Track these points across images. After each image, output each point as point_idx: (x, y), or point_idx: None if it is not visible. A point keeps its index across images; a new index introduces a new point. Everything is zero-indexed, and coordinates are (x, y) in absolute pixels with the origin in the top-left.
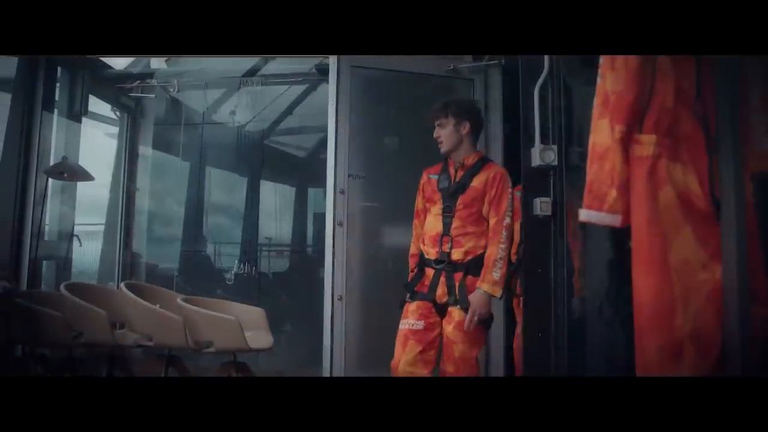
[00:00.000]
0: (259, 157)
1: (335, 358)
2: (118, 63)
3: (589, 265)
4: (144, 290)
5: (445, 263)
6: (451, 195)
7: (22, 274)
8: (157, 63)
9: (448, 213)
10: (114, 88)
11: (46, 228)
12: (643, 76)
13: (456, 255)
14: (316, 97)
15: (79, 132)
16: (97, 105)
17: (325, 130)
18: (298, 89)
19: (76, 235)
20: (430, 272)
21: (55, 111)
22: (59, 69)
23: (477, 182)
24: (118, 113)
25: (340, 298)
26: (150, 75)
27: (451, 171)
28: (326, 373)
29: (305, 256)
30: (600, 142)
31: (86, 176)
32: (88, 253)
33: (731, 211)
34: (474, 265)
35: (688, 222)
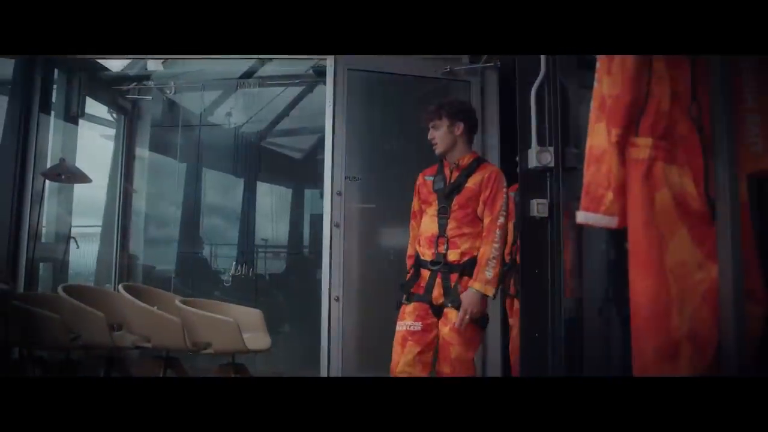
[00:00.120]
0: (256, 159)
1: (333, 358)
2: (115, 65)
3: (586, 266)
4: (142, 292)
5: (441, 264)
6: (446, 196)
7: (19, 276)
8: (153, 65)
9: (443, 214)
10: (111, 90)
11: (43, 230)
12: (639, 79)
13: (452, 256)
14: (312, 99)
15: (76, 134)
16: (94, 107)
17: (321, 131)
18: (295, 91)
19: (73, 237)
20: (426, 273)
21: (52, 113)
22: (56, 71)
23: (472, 183)
24: (114, 115)
25: (338, 299)
26: (147, 77)
27: (447, 172)
28: (324, 374)
29: (302, 258)
30: (597, 144)
31: (84, 178)
32: (84, 255)
33: (726, 212)
34: (470, 266)
35: (684, 223)
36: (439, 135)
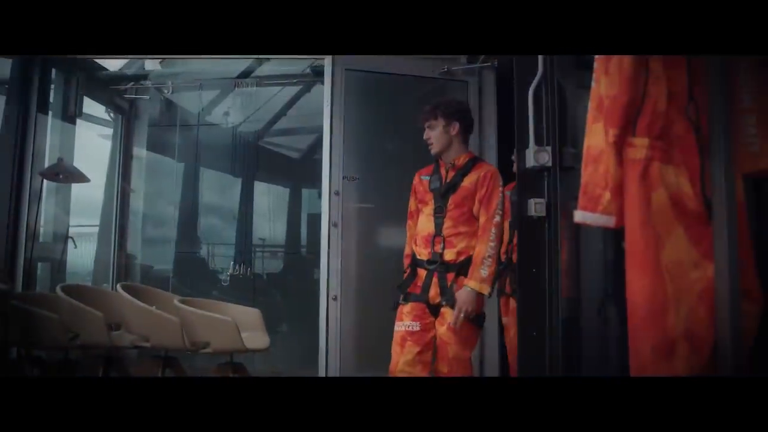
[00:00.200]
0: (254, 158)
1: (331, 357)
2: (113, 64)
3: (584, 265)
4: (140, 292)
5: (438, 264)
6: (442, 195)
7: (17, 276)
8: (151, 64)
9: (439, 213)
10: (108, 89)
11: (41, 229)
12: (636, 80)
13: (448, 255)
14: (310, 99)
15: (73, 134)
16: (91, 106)
17: (318, 130)
18: (292, 90)
19: (71, 237)
20: (422, 273)
21: (50, 113)
22: (53, 71)
23: (468, 182)
24: (112, 114)
25: (335, 298)
26: (144, 76)
27: (443, 172)
28: (322, 372)
29: (299, 257)
30: (594, 145)
31: (82, 178)
32: (82, 255)
33: (723, 212)
34: (466, 266)
35: (680, 223)
36: (435, 135)
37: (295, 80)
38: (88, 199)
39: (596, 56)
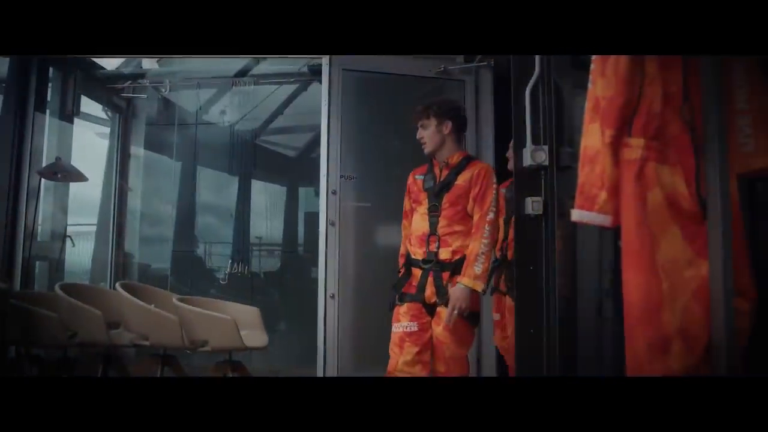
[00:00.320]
0: (251, 157)
1: (328, 355)
2: (110, 63)
3: (580, 264)
4: (138, 290)
5: (433, 263)
6: (436, 194)
7: (15, 274)
8: (148, 63)
9: (434, 212)
10: (106, 88)
11: (39, 228)
12: (632, 81)
13: (443, 254)
14: (307, 97)
15: (71, 132)
16: (89, 105)
17: (315, 129)
18: (290, 89)
19: (69, 236)
20: (417, 272)
21: (47, 111)
22: (51, 69)
23: (462, 180)
24: (110, 113)
25: (333, 297)
26: (141, 75)
27: (436, 171)
28: (320, 370)
29: (296, 256)
30: (591, 145)
31: (80, 177)
32: (80, 254)
33: (717, 211)
34: (461, 264)
35: (675, 222)
36: (428, 134)
37: (292, 79)
38: (86, 197)
39: (593, 58)
